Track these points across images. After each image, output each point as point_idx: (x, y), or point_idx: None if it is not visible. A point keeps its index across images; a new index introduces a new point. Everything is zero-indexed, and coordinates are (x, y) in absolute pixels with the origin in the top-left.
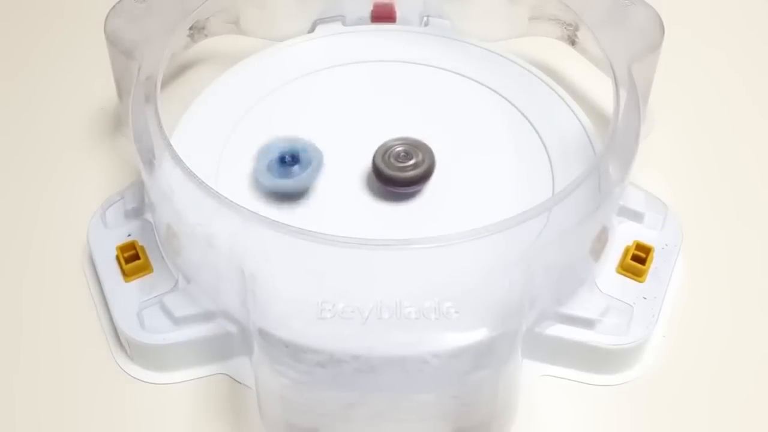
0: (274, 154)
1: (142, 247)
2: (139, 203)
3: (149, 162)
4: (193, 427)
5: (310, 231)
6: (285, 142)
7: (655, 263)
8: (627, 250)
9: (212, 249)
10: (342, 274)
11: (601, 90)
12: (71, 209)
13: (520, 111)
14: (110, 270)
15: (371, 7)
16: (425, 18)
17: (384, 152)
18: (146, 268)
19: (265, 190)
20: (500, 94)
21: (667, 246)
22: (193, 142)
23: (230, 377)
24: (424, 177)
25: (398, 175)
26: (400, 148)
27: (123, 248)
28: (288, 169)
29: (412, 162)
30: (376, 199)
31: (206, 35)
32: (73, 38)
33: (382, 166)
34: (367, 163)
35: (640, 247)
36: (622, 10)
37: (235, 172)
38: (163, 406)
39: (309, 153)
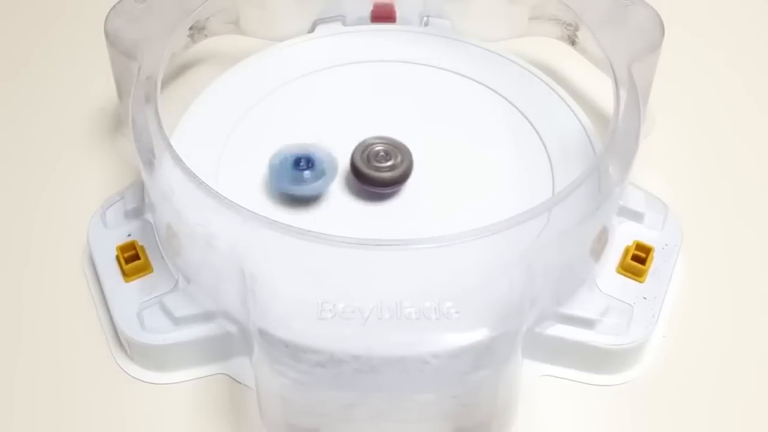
0: (290, 158)
1: (142, 247)
2: (139, 203)
3: (149, 162)
4: (193, 427)
5: (310, 231)
6: (300, 148)
7: (655, 263)
8: (627, 250)
9: (212, 249)
10: (342, 274)
11: (601, 90)
12: (71, 209)
13: (520, 111)
14: (110, 270)
15: (371, 7)
16: (425, 18)
17: (362, 151)
18: (146, 268)
19: (277, 192)
20: (500, 94)
21: (667, 246)
22: (193, 142)
23: (230, 377)
24: (402, 178)
25: (376, 175)
26: (380, 148)
27: (123, 248)
28: (301, 174)
29: (389, 163)
30: (374, 198)
31: (206, 35)
32: (73, 38)
33: (360, 165)
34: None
35: (640, 247)
36: (622, 10)
37: (235, 172)
38: (163, 406)
39: (324, 160)
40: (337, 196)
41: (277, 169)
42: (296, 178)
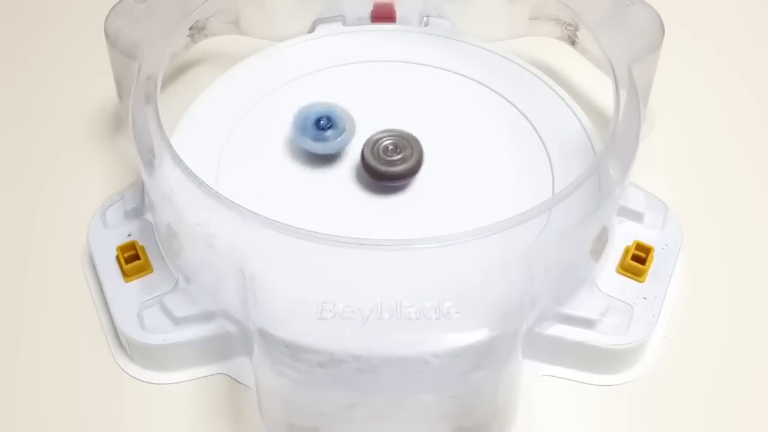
0: (311, 117)
1: (142, 247)
2: (139, 203)
3: (149, 162)
4: (193, 427)
5: (310, 231)
6: (322, 107)
7: (655, 263)
8: (627, 250)
9: (212, 249)
10: (342, 274)
11: (601, 90)
12: (71, 209)
13: (520, 111)
14: (110, 270)
15: (371, 7)
16: (425, 18)
17: (372, 146)
18: (146, 268)
19: (300, 148)
20: (500, 94)
21: (667, 246)
22: (193, 142)
23: (230, 377)
24: (413, 171)
25: (387, 170)
26: (388, 142)
27: (123, 248)
28: (322, 133)
29: (400, 156)
30: (373, 196)
31: (206, 35)
32: (73, 38)
33: (370, 160)
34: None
35: (640, 247)
36: (622, 10)
37: (235, 172)
38: (163, 406)
39: (343, 119)
40: (343, 188)
41: (299, 127)
42: (317, 136)
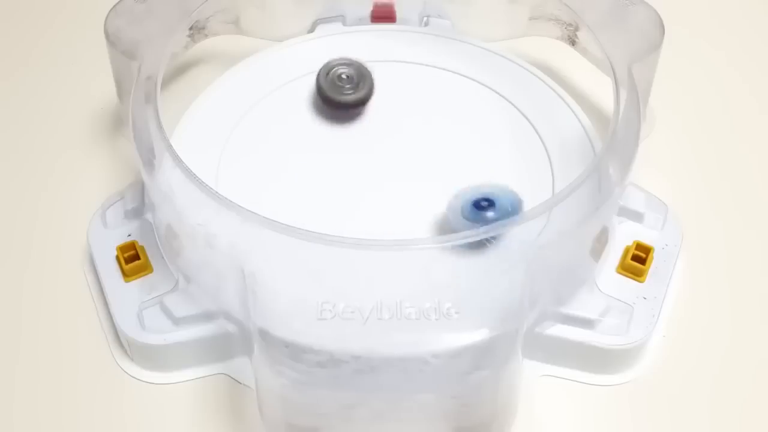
0: None
1: (142, 247)
2: (139, 203)
3: (149, 162)
4: (193, 427)
5: (310, 231)
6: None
7: (655, 263)
8: (627, 250)
9: (212, 249)
10: (342, 274)
11: (601, 90)
12: (71, 209)
13: (520, 111)
14: (110, 270)
15: (371, 7)
16: (425, 18)
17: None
18: (146, 268)
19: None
20: (500, 94)
21: (667, 246)
22: (193, 142)
23: (230, 377)
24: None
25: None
26: (343, 70)
27: (123, 248)
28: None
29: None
30: (375, 194)
31: (206, 35)
32: (73, 38)
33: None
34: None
35: (640, 247)
36: (622, 10)
37: (235, 172)
38: (163, 406)
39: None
40: (343, 188)
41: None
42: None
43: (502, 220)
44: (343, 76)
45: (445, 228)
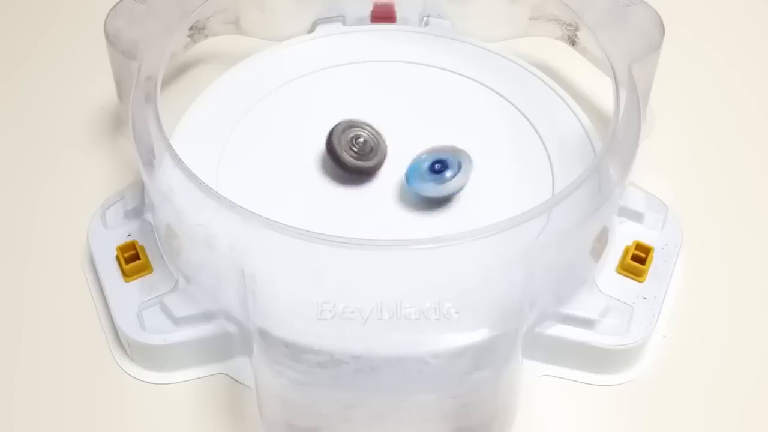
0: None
1: (142, 247)
2: (139, 203)
3: (149, 162)
4: (193, 427)
5: (310, 231)
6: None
7: (655, 263)
8: (627, 250)
9: (212, 249)
10: (342, 275)
11: (601, 90)
12: (71, 209)
13: (520, 111)
14: (110, 270)
15: (371, 7)
16: (425, 18)
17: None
18: (146, 268)
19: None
20: (500, 94)
21: (667, 246)
22: (193, 142)
23: (230, 377)
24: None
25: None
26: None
27: (123, 248)
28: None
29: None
30: (371, 195)
31: (206, 35)
32: (73, 38)
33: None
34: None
35: (640, 247)
36: (622, 10)
37: (235, 172)
38: (163, 406)
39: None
40: (344, 188)
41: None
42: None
43: (458, 176)
44: (360, 140)
45: (407, 198)
